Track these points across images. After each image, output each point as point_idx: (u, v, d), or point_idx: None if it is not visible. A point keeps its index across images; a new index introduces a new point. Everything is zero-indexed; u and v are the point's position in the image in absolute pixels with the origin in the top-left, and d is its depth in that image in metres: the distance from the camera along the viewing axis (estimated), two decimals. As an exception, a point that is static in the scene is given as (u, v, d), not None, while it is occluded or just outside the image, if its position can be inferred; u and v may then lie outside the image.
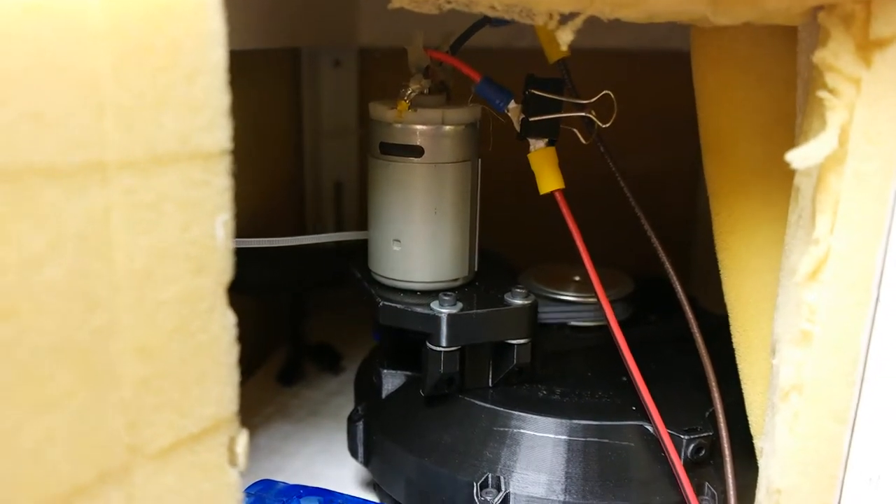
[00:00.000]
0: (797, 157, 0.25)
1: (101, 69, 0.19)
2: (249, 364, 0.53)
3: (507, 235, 0.48)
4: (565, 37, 0.26)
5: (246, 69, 0.51)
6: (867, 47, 0.24)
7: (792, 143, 0.29)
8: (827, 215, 0.26)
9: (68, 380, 0.20)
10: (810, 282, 0.26)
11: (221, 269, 0.23)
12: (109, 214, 0.20)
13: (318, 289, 0.59)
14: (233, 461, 0.25)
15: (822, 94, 0.25)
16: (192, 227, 0.22)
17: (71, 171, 0.19)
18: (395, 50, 0.38)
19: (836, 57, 0.25)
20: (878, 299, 0.26)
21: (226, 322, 0.24)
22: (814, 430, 0.28)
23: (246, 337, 0.52)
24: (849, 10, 0.25)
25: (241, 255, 0.51)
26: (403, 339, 0.41)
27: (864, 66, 0.25)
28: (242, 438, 0.25)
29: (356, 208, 0.63)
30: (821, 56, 0.25)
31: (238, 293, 0.51)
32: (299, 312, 0.57)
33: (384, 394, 0.40)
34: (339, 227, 0.62)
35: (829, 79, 0.25)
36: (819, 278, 0.26)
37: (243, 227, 0.42)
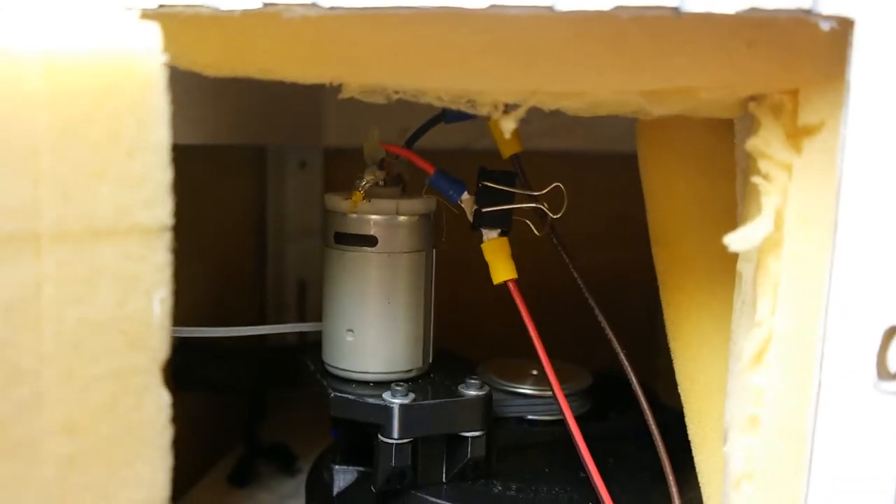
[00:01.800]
0: (735, 240, 0.25)
1: (39, 138, 0.20)
2: (201, 464, 0.52)
3: (465, 332, 0.48)
4: (508, 125, 0.27)
5: (213, 164, 0.51)
6: (796, 135, 0.25)
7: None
8: (768, 298, 0.26)
9: (-14, 455, 0.19)
10: (755, 365, 0.26)
11: (157, 346, 0.23)
12: (41, 286, 0.20)
13: (277, 389, 0.58)
14: (163, 551, 0.24)
15: (755, 179, 0.26)
16: (128, 303, 0.22)
17: (2, 240, 0.19)
18: (361, 150, 0.39)
19: (767, 144, 0.26)
20: (819, 383, 0.25)
21: (160, 402, 0.23)
22: (767, 520, 0.27)
23: (199, 436, 0.51)
24: (777, 101, 0.26)
25: (200, 354, 0.50)
26: (359, 435, 0.40)
27: (794, 153, 0.25)
28: (174, 527, 0.24)
29: (320, 307, 0.63)
30: (753, 143, 0.26)
31: (194, 390, 0.51)
32: (256, 412, 0.55)
33: (335, 491, 0.39)
34: (300, 326, 0.61)
35: (762, 165, 0.26)
36: (763, 361, 0.26)
37: (203, 320, 0.42)
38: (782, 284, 0.26)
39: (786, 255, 0.26)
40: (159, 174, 0.22)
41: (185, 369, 0.48)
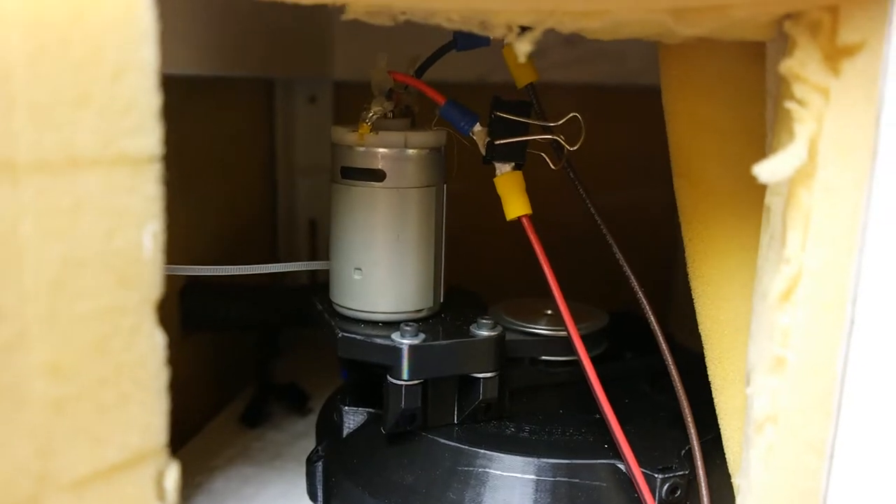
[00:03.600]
0: (765, 171, 0.24)
1: (13, 61, 0.18)
2: (213, 404, 0.51)
3: (481, 272, 0.47)
4: (524, 48, 0.25)
5: (217, 97, 0.50)
6: (835, 56, 0.23)
7: (762, 163, 0.27)
8: (798, 232, 0.24)
9: (-33, 398, 0.18)
10: (783, 303, 0.25)
11: (149, 283, 0.22)
12: (19, 219, 0.19)
13: (287, 327, 0.57)
14: (161, 496, 0.23)
15: (789, 104, 0.24)
16: (116, 237, 0.21)
17: (-26, 169, 0.18)
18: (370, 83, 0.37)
19: (802, 66, 0.24)
20: (852, 320, 0.24)
21: (154, 342, 0.22)
22: (790, 464, 0.26)
23: (211, 377, 0.50)
24: (815, 18, 0.24)
25: (211, 294, 0.50)
26: (369, 376, 0.39)
27: (832, 75, 0.24)
28: (172, 472, 0.23)
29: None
30: (788, 65, 0.24)
31: (206, 330, 0.50)
32: (267, 351, 0.55)
33: (345, 432, 0.38)
34: (311, 265, 0.60)
35: (797, 89, 0.24)
36: (792, 299, 0.25)
37: (213, 260, 0.41)
38: (814, 218, 0.24)
39: (819, 186, 0.24)
40: (146, 99, 0.21)
41: (196, 309, 0.48)
